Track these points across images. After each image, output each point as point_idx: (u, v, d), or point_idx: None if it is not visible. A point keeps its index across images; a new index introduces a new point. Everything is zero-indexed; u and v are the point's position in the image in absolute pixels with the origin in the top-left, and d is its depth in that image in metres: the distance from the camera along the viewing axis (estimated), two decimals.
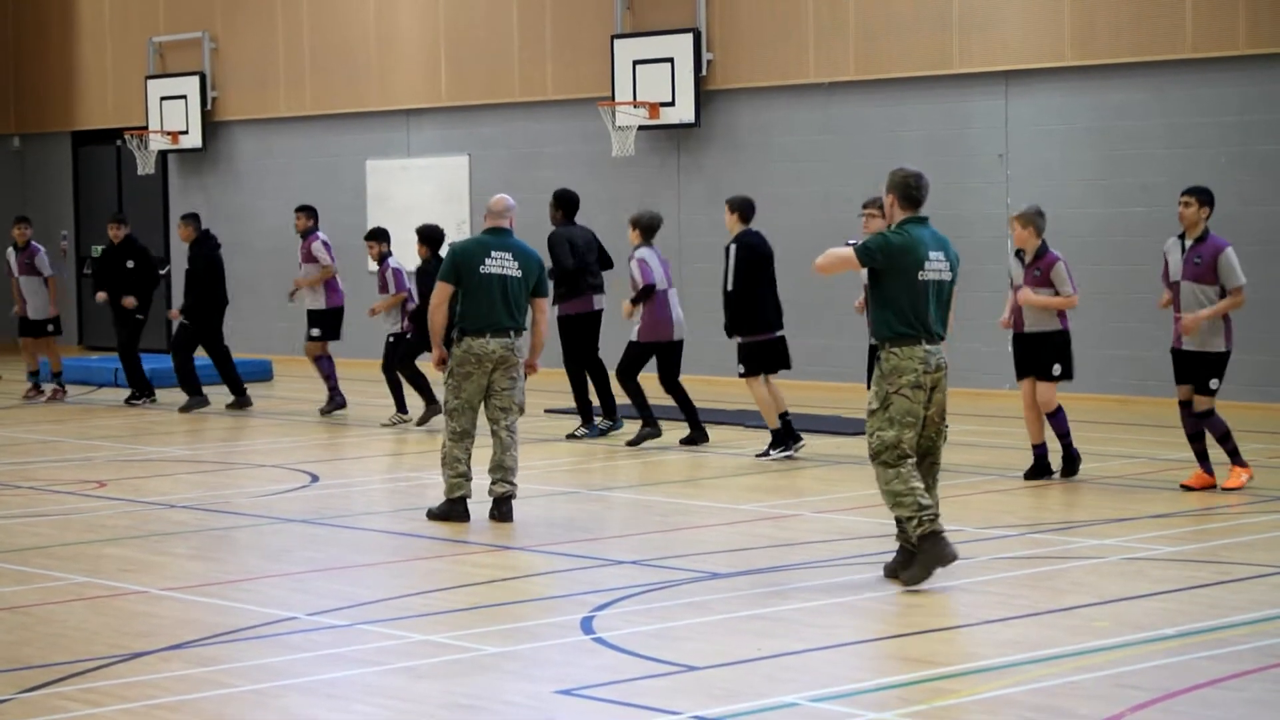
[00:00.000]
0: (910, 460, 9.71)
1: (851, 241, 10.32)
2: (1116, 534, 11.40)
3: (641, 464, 15.17)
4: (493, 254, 12.17)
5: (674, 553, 11.00)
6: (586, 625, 9.06)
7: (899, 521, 9.83)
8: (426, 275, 16.70)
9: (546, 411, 18.28)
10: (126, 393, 20.73)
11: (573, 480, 14.14)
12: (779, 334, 15.59)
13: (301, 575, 10.60)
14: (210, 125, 26.90)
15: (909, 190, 9.99)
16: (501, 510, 12.20)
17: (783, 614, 9.26)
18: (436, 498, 12.90)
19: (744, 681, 7.97)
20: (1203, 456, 13.14)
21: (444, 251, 16.34)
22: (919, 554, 9.66)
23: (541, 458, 15.19)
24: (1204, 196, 13.18)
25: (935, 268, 9.83)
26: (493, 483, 12.22)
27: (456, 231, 23.97)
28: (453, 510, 12.15)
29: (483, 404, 12.25)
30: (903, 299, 9.74)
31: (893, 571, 9.89)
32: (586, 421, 16.51)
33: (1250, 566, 10.30)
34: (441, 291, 12.23)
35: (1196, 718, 7.30)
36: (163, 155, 27.46)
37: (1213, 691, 7.65)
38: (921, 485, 9.74)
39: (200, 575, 10.62)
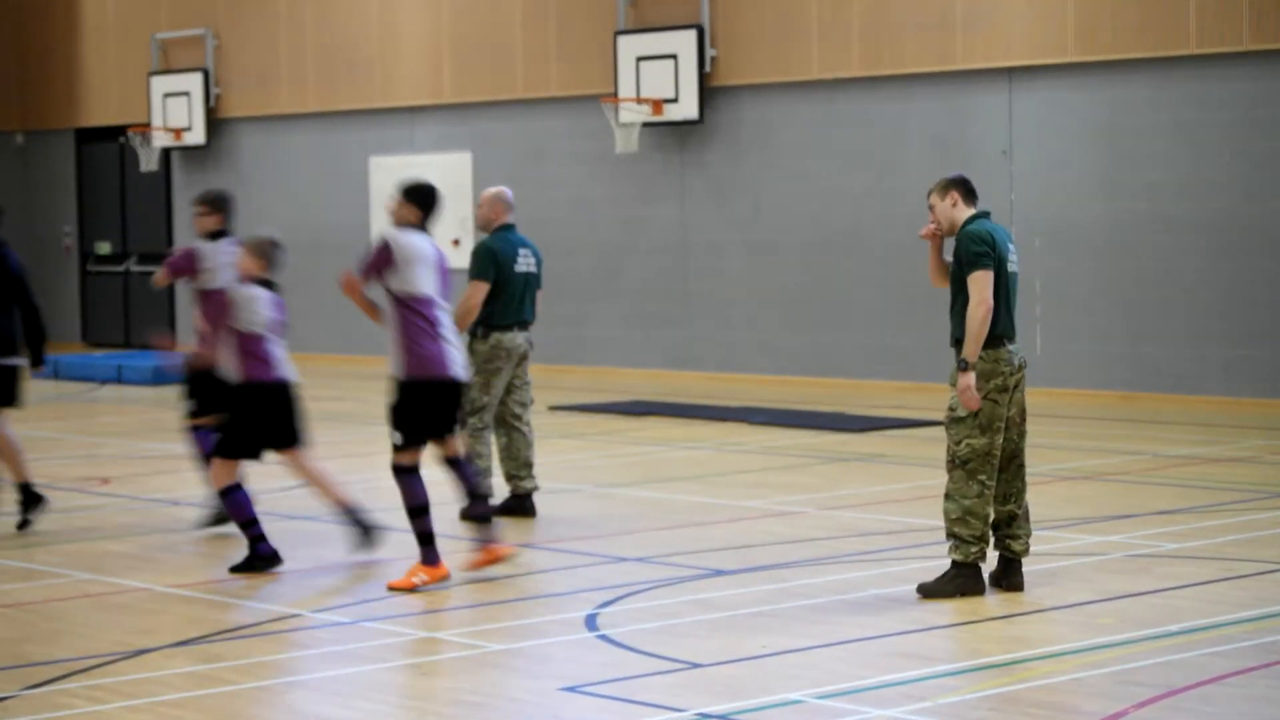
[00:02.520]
0: (995, 476, 9.60)
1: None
2: (1120, 530, 11.40)
3: (646, 461, 15.18)
4: (519, 252, 12.23)
5: (678, 550, 11.01)
6: (591, 622, 9.06)
7: (998, 536, 9.68)
8: None
9: (551, 409, 18.29)
10: (132, 390, 20.67)
11: (577, 477, 14.14)
12: (13, 362, 12.09)
13: (306, 572, 10.60)
14: (214, 122, 26.91)
15: (968, 185, 9.69)
16: (525, 506, 12.23)
17: (787, 611, 9.26)
18: (439, 494, 12.89)
19: (748, 678, 7.97)
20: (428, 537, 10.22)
21: None
22: (958, 578, 9.55)
23: (544, 454, 15.20)
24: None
25: (1013, 259, 9.65)
26: (520, 479, 12.23)
27: (459, 229, 23.99)
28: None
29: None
30: (996, 295, 9.45)
31: (996, 581, 9.69)
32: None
33: (1254, 563, 10.30)
34: (482, 291, 12.06)
35: (1200, 714, 7.30)
36: (166, 152, 27.48)
37: (1216, 688, 7.65)
38: (991, 514, 9.58)
39: (204, 572, 10.63)
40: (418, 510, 10.15)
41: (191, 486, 14.15)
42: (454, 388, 10.17)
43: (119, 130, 28.05)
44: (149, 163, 27.29)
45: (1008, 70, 19.69)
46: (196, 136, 26.88)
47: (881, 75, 20.58)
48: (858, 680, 7.92)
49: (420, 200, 10.17)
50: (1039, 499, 12.79)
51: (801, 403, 19.12)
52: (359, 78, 25.27)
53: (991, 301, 9.40)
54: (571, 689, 7.82)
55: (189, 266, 11.71)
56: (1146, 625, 8.80)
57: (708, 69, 21.70)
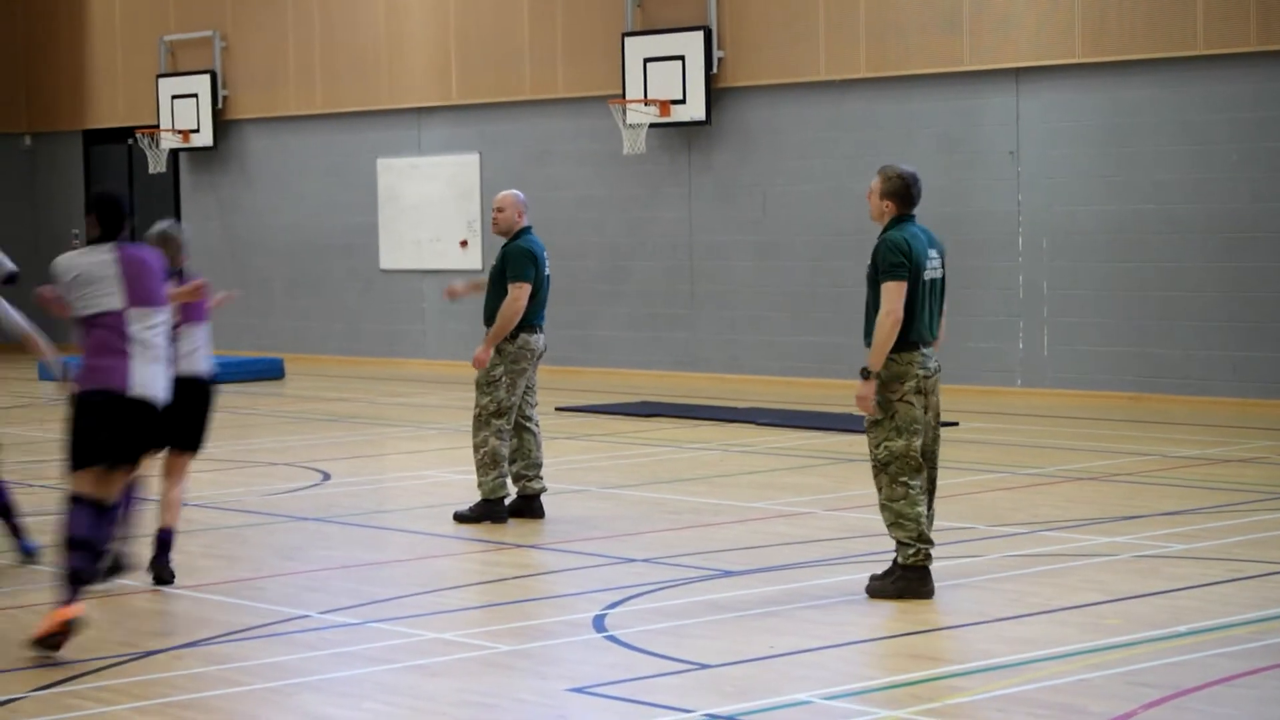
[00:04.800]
0: (921, 475, 9.59)
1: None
2: (1128, 531, 11.39)
3: (653, 462, 15.18)
4: (544, 254, 12.27)
5: (686, 550, 11.01)
6: (599, 623, 9.07)
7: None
8: None
9: (557, 410, 18.29)
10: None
11: (583, 478, 14.15)
12: None
13: (313, 573, 10.61)
14: (221, 124, 26.93)
15: (909, 192, 9.76)
16: (534, 507, 12.23)
17: (795, 612, 9.26)
18: (448, 495, 12.89)
19: (756, 679, 7.97)
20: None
21: None
22: (901, 579, 9.52)
23: (551, 456, 15.20)
24: None
25: (933, 266, 9.68)
26: (529, 480, 12.23)
27: (467, 230, 24.01)
28: (493, 512, 12.10)
29: None
30: (912, 302, 9.52)
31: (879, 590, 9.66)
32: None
33: (1262, 564, 10.29)
34: (526, 293, 12.06)
35: (1208, 715, 7.30)
36: (174, 154, 27.50)
37: (1224, 689, 7.65)
38: (925, 512, 9.62)
39: (212, 573, 10.64)
40: (67, 543, 8.63)
41: (200, 487, 14.16)
42: (130, 405, 8.73)
43: (127, 132, 28.06)
44: (157, 164, 27.31)
45: (1015, 71, 19.69)
46: (204, 138, 26.90)
47: (888, 76, 20.58)
48: (866, 681, 7.93)
49: (100, 212, 8.98)
50: (1047, 499, 12.79)
51: (808, 403, 19.12)
52: (366, 79, 25.29)
53: (901, 313, 9.44)
54: (579, 690, 7.82)
55: None
56: (1154, 626, 8.80)
57: (715, 70, 21.70)
